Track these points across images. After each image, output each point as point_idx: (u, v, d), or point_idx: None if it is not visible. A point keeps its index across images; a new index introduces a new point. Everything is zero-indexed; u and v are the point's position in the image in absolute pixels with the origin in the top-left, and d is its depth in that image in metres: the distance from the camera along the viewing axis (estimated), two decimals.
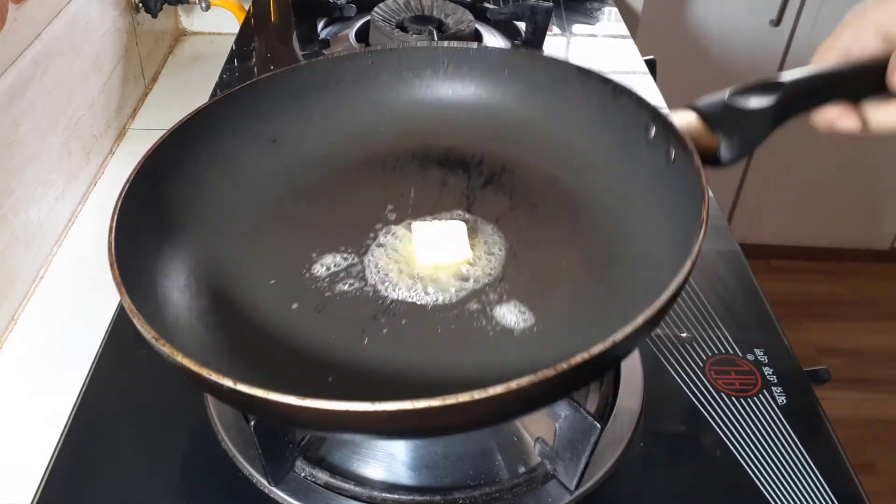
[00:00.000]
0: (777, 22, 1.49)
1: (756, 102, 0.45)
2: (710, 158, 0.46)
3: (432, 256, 0.50)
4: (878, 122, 0.46)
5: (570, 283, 0.49)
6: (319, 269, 0.50)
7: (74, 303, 0.66)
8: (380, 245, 0.52)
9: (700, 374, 0.57)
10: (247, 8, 1.10)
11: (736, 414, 0.54)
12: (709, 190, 0.42)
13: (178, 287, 0.47)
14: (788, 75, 0.46)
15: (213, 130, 0.53)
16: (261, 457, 0.46)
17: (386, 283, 0.49)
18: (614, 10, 1.16)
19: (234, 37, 1.04)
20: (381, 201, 0.55)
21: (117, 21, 0.90)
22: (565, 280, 0.50)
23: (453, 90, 0.59)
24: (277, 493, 0.47)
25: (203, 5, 1.07)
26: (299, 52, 0.96)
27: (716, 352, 0.59)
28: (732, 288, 0.66)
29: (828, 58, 0.48)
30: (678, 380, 0.57)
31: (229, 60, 0.97)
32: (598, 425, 0.44)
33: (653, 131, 0.49)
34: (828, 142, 1.68)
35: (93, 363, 0.56)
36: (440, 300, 0.48)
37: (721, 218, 0.76)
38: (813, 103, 0.47)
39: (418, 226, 0.52)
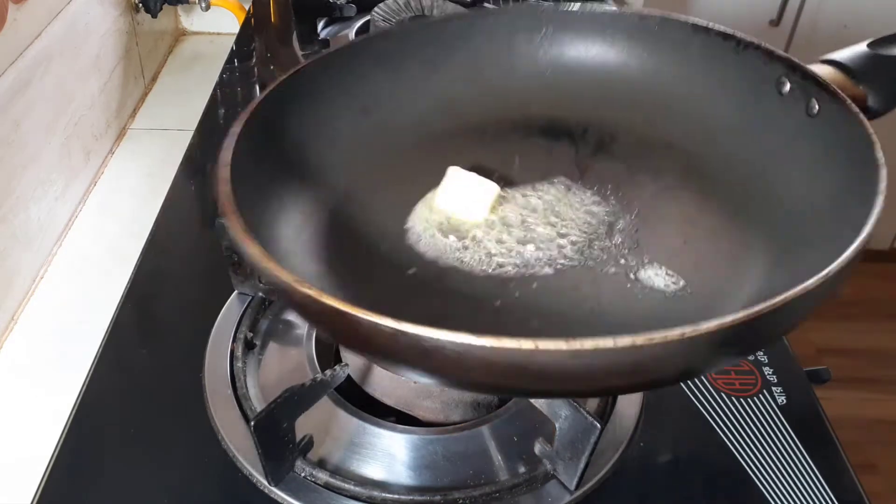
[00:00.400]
0: (777, 22, 1.49)
1: None
2: (861, 109, 0.44)
3: (450, 204, 0.49)
4: None
5: (714, 244, 0.47)
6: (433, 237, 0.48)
7: (74, 303, 0.66)
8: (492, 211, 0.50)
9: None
10: (247, 8, 1.10)
11: (736, 414, 0.54)
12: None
13: (285, 248, 0.45)
14: None
15: (302, 96, 0.51)
16: (261, 457, 0.46)
17: (507, 247, 0.47)
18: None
19: (234, 37, 1.04)
20: (487, 169, 0.52)
21: (117, 21, 0.90)
22: (708, 242, 0.47)
23: (553, 55, 0.56)
24: (277, 493, 0.47)
25: (203, 5, 1.07)
26: (299, 52, 0.96)
27: None
28: None
29: None
30: None
31: (229, 60, 0.97)
32: (598, 425, 0.44)
33: (787, 85, 0.47)
34: None
35: (93, 363, 0.56)
36: (571, 264, 0.45)
37: None
38: None
39: (454, 171, 0.49)
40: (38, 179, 0.69)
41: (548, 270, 0.45)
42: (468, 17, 0.57)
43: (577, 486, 0.48)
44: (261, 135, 0.46)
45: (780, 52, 0.48)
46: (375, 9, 0.94)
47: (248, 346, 0.57)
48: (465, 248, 0.47)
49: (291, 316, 0.60)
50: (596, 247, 0.47)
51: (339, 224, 0.48)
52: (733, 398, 0.55)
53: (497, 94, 0.57)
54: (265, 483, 0.48)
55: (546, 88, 0.56)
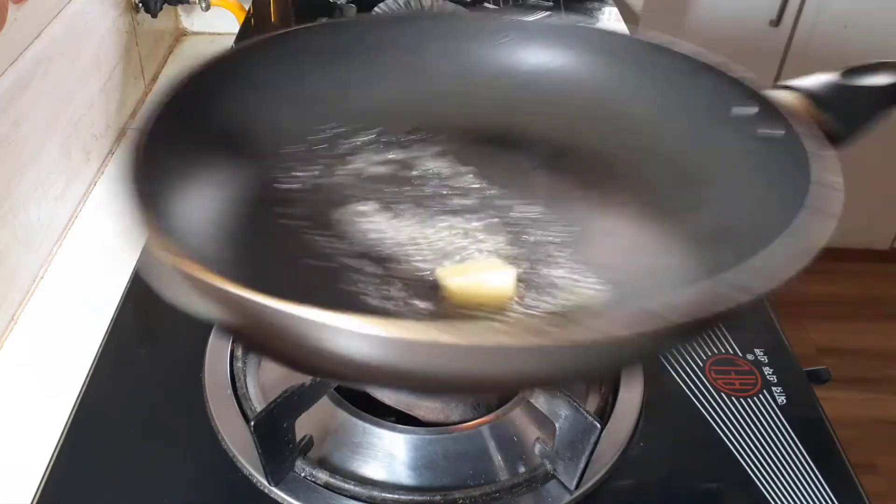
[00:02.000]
0: (777, 22, 1.49)
1: (872, 80, 0.44)
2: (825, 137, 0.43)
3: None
4: None
5: (651, 258, 0.46)
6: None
7: (74, 303, 0.66)
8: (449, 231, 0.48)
9: (700, 374, 0.57)
10: (247, 8, 1.10)
11: (736, 414, 0.54)
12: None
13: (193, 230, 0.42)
14: None
15: (236, 76, 0.48)
16: (261, 457, 0.46)
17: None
18: (614, 10, 1.16)
19: (234, 37, 1.04)
20: (437, 188, 0.51)
21: (117, 21, 0.90)
22: (643, 254, 0.47)
23: (507, 63, 0.55)
24: (277, 493, 0.47)
25: (203, 5, 1.07)
26: None
27: (716, 352, 0.59)
28: None
29: None
30: (678, 380, 0.57)
31: None
32: (598, 425, 0.44)
33: (744, 110, 0.46)
34: None
35: (93, 363, 0.56)
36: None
37: None
38: None
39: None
40: (38, 179, 0.69)
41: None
42: (421, 21, 0.55)
43: (577, 486, 0.48)
44: (185, 109, 0.44)
45: (741, 75, 0.47)
46: (375, 9, 0.94)
47: None
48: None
49: None
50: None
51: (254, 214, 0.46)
52: (733, 398, 0.55)
53: (447, 99, 0.55)
54: (265, 483, 0.48)
55: (499, 97, 0.55)
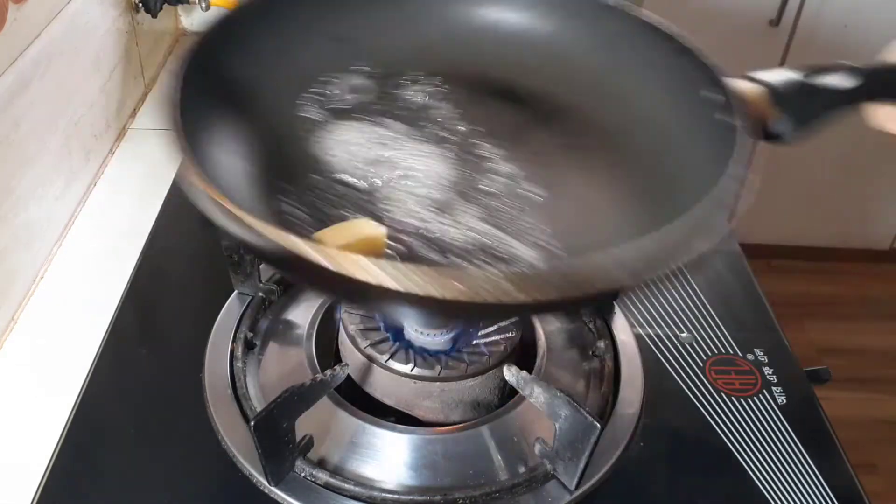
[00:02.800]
0: (776, 22, 1.49)
1: (831, 81, 0.45)
2: (769, 132, 0.45)
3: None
4: None
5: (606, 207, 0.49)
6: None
7: (74, 303, 0.66)
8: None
9: (700, 374, 0.57)
10: None
11: (736, 414, 0.54)
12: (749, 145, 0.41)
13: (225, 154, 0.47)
14: (866, 63, 0.46)
15: (273, 19, 0.53)
16: (261, 457, 0.46)
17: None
18: None
19: None
20: (436, 122, 0.54)
21: (117, 21, 0.90)
22: (595, 214, 0.49)
23: (518, 19, 0.59)
24: (277, 493, 0.47)
25: (203, 5, 1.06)
26: None
27: (716, 352, 0.59)
28: (732, 288, 0.66)
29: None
30: (678, 380, 0.57)
31: None
32: (598, 425, 0.44)
33: (713, 96, 0.47)
34: (827, 142, 1.68)
35: (93, 363, 0.56)
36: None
37: None
38: (880, 95, 0.46)
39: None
40: (38, 179, 0.69)
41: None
42: None
43: (577, 486, 0.48)
44: (217, 51, 0.48)
45: (712, 62, 0.48)
46: None
47: (248, 346, 0.57)
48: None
49: (292, 315, 0.60)
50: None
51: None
52: (733, 398, 0.55)
53: (459, 48, 0.59)
54: (265, 483, 0.48)
55: (504, 52, 0.58)
